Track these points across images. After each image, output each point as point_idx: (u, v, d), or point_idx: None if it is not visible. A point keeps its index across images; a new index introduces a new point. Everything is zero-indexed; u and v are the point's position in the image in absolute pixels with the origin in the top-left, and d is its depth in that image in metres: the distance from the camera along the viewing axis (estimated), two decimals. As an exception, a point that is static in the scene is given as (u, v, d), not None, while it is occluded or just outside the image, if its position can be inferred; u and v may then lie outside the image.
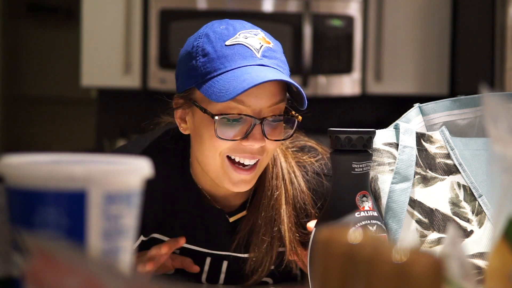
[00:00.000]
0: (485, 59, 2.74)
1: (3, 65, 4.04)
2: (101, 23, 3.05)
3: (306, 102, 1.22)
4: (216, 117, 1.19)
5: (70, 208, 0.63)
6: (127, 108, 3.26)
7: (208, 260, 1.34)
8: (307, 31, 2.97)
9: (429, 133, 1.22)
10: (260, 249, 1.30)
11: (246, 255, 1.33)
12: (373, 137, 1.06)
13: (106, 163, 0.71)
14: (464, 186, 1.18)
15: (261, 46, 1.21)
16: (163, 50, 3.01)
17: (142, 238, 1.30)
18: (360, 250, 0.52)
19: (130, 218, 0.67)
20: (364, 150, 1.04)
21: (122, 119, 3.25)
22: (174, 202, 1.33)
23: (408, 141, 1.18)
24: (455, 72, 3.11)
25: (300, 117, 1.26)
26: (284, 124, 1.26)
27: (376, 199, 1.16)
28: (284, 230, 1.29)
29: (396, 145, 1.19)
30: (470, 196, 1.17)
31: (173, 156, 1.33)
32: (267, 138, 1.21)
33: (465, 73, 3.04)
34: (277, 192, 1.30)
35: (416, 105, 1.25)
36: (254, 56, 1.20)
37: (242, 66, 1.19)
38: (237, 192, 1.28)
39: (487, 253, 1.12)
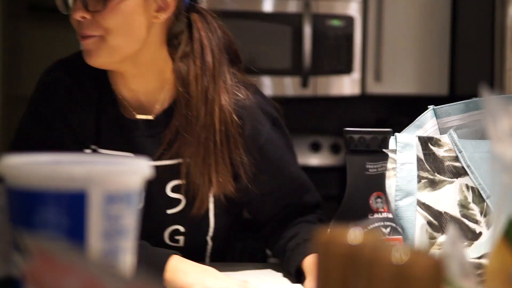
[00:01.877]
0: (485, 60, 2.74)
1: (2, 64, 4.04)
2: (101, 23, 3.04)
3: None
4: None
5: (70, 208, 0.63)
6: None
7: None
8: (307, 31, 2.97)
9: (437, 136, 1.21)
10: (190, 154, 1.34)
11: (174, 161, 1.35)
12: (389, 137, 1.04)
13: (106, 163, 0.71)
14: (472, 188, 1.17)
15: None
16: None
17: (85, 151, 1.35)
18: (360, 251, 0.52)
19: (130, 218, 0.67)
20: (379, 150, 1.03)
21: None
22: (96, 113, 1.38)
23: (407, 157, 1.18)
24: (455, 72, 3.10)
25: None
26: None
27: None
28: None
29: (395, 151, 1.19)
30: (479, 197, 1.17)
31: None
32: (88, 10, 1.28)
33: (465, 73, 3.04)
34: (198, 102, 1.34)
35: (431, 107, 1.25)
36: None
37: None
38: (138, 92, 1.37)
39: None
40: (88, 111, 1.38)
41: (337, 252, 0.55)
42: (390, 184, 1.16)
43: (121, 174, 0.66)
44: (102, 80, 1.40)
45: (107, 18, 1.28)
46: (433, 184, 1.17)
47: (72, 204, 0.63)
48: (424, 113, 1.25)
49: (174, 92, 1.38)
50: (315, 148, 3.28)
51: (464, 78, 3.05)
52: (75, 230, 0.63)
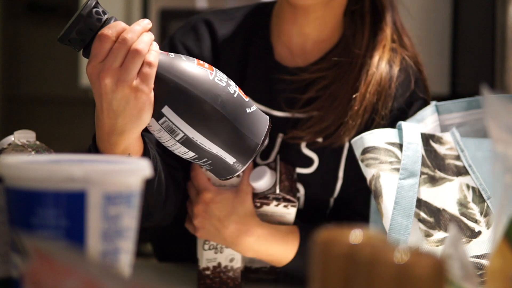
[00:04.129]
0: (486, 59, 2.74)
1: (2, 64, 4.04)
2: (100, 22, 3.05)
3: None
4: None
5: (69, 208, 0.63)
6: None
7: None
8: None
9: (439, 134, 1.21)
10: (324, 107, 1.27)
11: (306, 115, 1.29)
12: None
13: (106, 163, 0.70)
14: (473, 188, 1.16)
15: None
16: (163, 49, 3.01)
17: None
18: (360, 250, 0.52)
19: (129, 219, 0.67)
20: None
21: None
22: (245, 57, 1.33)
23: (413, 137, 1.18)
24: (456, 72, 3.10)
25: None
26: None
27: (377, 196, 1.16)
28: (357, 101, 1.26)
29: (398, 145, 1.18)
30: (479, 197, 1.15)
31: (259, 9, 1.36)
32: None
33: (466, 73, 3.04)
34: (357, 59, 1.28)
35: (433, 103, 1.25)
36: None
37: None
38: (309, 36, 1.31)
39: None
40: (234, 58, 1.33)
41: (338, 252, 0.54)
42: (387, 177, 1.15)
43: (120, 174, 0.65)
44: (256, 29, 1.35)
45: None
46: (433, 181, 1.17)
47: (71, 204, 0.63)
48: (425, 107, 1.24)
49: (334, 41, 1.33)
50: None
51: (465, 78, 3.05)
52: (74, 231, 0.63)
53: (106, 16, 0.98)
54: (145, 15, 3.04)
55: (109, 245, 0.65)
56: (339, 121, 1.27)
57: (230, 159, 1.00)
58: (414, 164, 1.16)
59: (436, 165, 1.18)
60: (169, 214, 1.26)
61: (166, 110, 0.96)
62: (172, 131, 0.97)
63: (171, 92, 0.97)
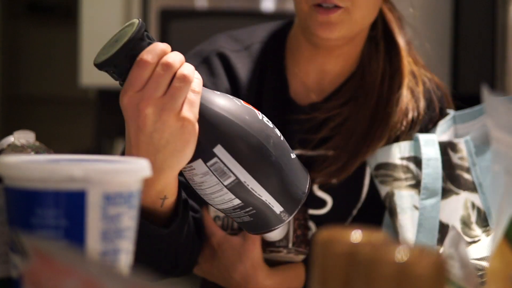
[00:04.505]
0: (487, 59, 2.74)
1: (2, 64, 4.04)
2: (100, 22, 3.04)
3: None
4: None
5: (69, 208, 0.63)
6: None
7: None
8: (307, 30, 2.96)
9: (455, 140, 1.15)
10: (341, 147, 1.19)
11: (321, 153, 1.21)
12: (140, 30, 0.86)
13: (105, 163, 0.70)
14: (478, 209, 1.10)
15: None
16: (163, 49, 3.01)
17: None
18: (361, 249, 0.52)
19: (129, 218, 0.66)
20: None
21: (122, 119, 3.24)
22: (260, 94, 1.25)
23: (432, 152, 1.13)
24: (456, 72, 3.10)
25: None
26: None
27: (392, 215, 1.12)
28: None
29: (413, 159, 1.13)
30: (483, 221, 1.10)
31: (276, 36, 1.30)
32: None
33: (466, 73, 3.04)
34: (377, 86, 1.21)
35: (452, 113, 1.20)
36: None
37: None
38: (329, 73, 1.24)
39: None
40: (249, 94, 1.24)
41: (338, 251, 0.54)
42: (402, 195, 1.11)
43: (120, 174, 0.65)
44: (270, 60, 1.27)
45: None
46: (443, 193, 1.12)
47: (71, 204, 0.63)
48: (444, 119, 1.19)
49: (348, 75, 1.26)
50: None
51: (466, 78, 3.05)
52: (74, 231, 0.63)
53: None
54: (145, 15, 3.04)
55: (109, 245, 0.64)
56: (355, 160, 1.19)
57: (277, 208, 0.90)
58: (435, 182, 1.11)
59: (448, 175, 1.13)
60: (194, 263, 1.17)
61: (218, 149, 0.85)
62: (222, 174, 0.86)
63: (225, 130, 0.86)
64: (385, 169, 1.14)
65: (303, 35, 1.25)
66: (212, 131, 0.86)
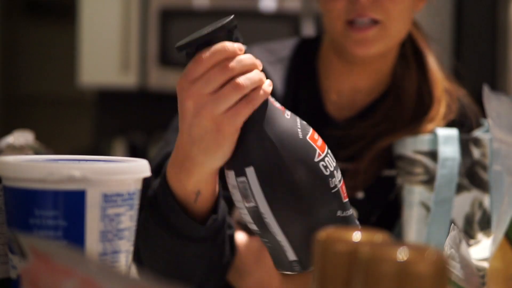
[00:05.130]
0: (488, 59, 2.74)
1: (0, 64, 4.04)
2: (99, 21, 3.04)
3: None
4: None
5: (68, 209, 0.63)
6: (126, 107, 3.25)
7: None
8: (308, 31, 2.96)
9: (480, 136, 1.13)
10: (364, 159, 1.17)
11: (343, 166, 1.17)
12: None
13: (104, 163, 0.70)
14: (484, 210, 1.10)
15: None
16: (163, 48, 3.01)
17: None
18: (361, 248, 0.52)
19: (128, 219, 0.66)
20: None
21: (121, 118, 3.24)
22: (296, 108, 1.21)
23: (450, 152, 1.11)
24: (458, 71, 3.11)
25: None
26: None
27: (399, 207, 1.12)
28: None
29: (430, 154, 1.12)
30: (486, 224, 1.09)
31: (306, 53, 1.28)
32: None
33: (468, 72, 3.04)
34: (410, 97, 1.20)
35: (486, 123, 1.18)
36: None
37: None
38: (361, 89, 1.23)
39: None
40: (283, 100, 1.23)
41: (339, 250, 0.54)
42: (412, 191, 1.10)
43: (119, 174, 0.65)
44: (303, 73, 1.27)
45: (396, 0, 1.15)
46: (457, 188, 1.10)
47: (70, 204, 0.63)
48: (478, 129, 1.17)
49: (380, 91, 1.25)
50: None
51: (467, 78, 3.05)
52: (73, 230, 0.63)
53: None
54: (144, 15, 3.04)
55: (108, 245, 0.64)
56: (376, 174, 1.19)
57: (291, 255, 0.84)
58: (449, 184, 1.09)
59: (466, 171, 1.11)
60: (224, 277, 1.11)
61: (250, 170, 0.81)
62: (245, 196, 0.83)
63: (265, 156, 0.81)
64: (397, 161, 1.13)
65: (335, 53, 1.24)
66: (252, 150, 0.82)
